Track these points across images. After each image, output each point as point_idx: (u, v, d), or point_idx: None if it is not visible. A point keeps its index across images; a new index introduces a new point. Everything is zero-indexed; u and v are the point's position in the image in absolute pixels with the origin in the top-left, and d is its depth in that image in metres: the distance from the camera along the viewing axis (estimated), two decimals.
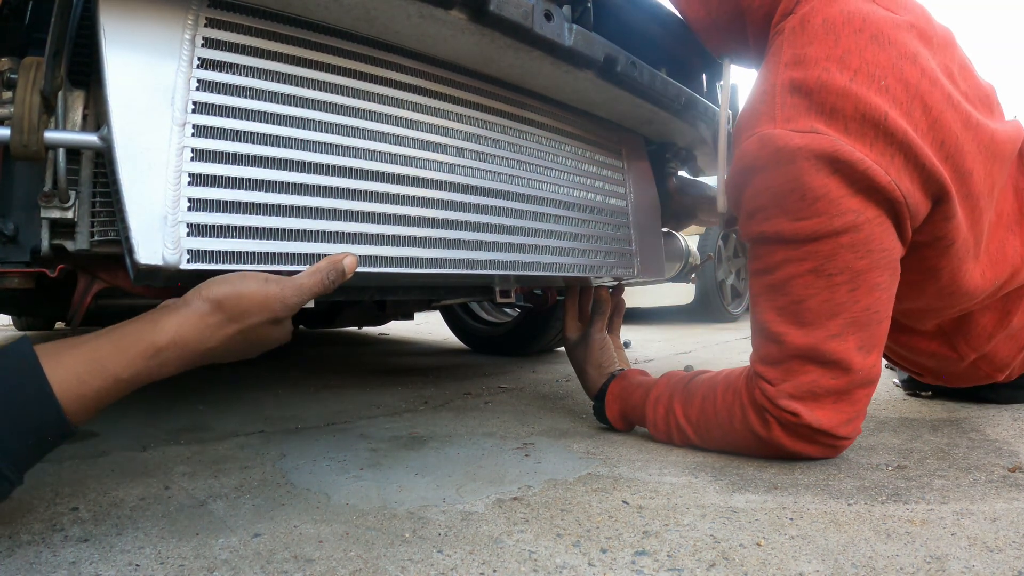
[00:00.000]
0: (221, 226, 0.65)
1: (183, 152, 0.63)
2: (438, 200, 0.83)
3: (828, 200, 0.74)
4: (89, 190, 0.69)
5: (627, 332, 3.00)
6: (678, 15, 1.08)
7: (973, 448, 0.88)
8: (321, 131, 0.73)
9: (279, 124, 0.70)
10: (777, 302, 0.80)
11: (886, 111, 0.74)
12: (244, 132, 0.68)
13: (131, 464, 0.87)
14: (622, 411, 0.99)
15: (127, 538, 0.61)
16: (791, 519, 0.64)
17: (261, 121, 0.69)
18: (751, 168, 0.78)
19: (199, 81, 0.65)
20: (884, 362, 1.47)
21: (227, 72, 0.67)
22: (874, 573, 0.52)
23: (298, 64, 0.72)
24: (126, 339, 0.56)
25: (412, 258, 0.79)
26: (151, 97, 0.62)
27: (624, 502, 0.70)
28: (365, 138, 0.77)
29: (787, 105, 0.77)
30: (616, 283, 1.19)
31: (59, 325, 3.48)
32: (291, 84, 0.72)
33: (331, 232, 0.72)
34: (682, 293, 3.48)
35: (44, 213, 0.66)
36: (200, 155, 0.64)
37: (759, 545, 0.58)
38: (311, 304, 0.67)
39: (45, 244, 0.68)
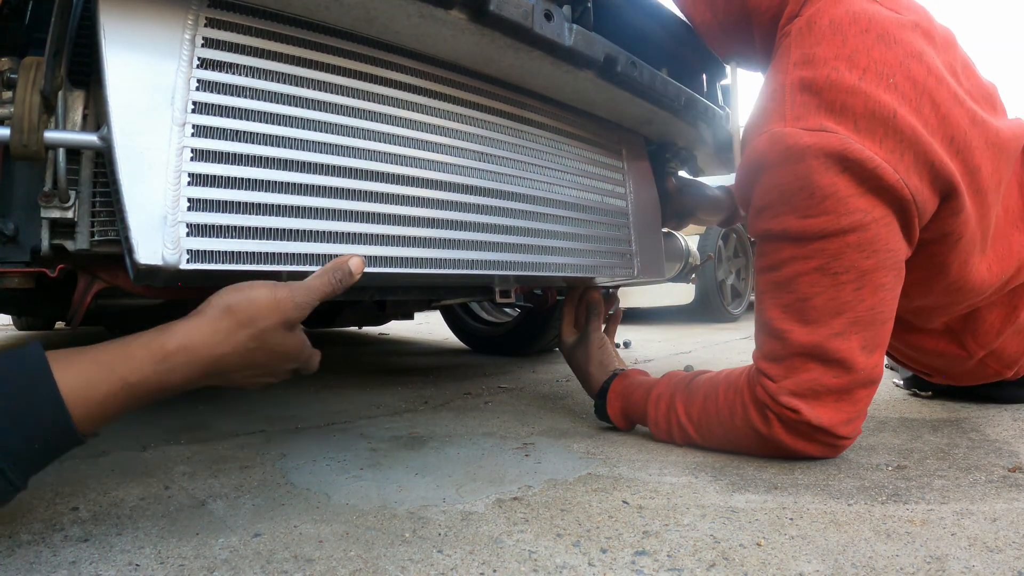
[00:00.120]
0: (221, 226, 0.65)
1: (183, 152, 0.63)
2: (438, 200, 0.83)
3: (836, 199, 0.75)
4: (89, 190, 0.69)
5: (627, 332, 3.00)
6: (678, 15, 1.08)
7: (973, 448, 0.88)
8: (321, 131, 0.73)
9: (279, 124, 0.70)
10: (782, 299, 0.80)
11: (895, 109, 0.75)
12: (244, 132, 0.68)
13: (131, 464, 0.87)
14: (623, 409, 0.99)
15: (127, 538, 0.61)
16: (791, 519, 0.64)
17: (261, 121, 0.69)
18: (761, 165, 0.79)
19: (199, 81, 0.65)
20: (886, 360, 1.48)
21: (227, 72, 0.67)
22: (874, 573, 0.52)
23: (298, 64, 0.72)
24: (135, 343, 0.55)
25: (412, 258, 0.79)
26: (151, 97, 0.62)
27: (624, 502, 0.70)
28: (365, 138, 0.77)
29: (797, 103, 0.78)
30: (608, 289, 1.19)
31: (59, 325, 3.48)
32: (291, 84, 0.72)
33: (331, 232, 0.73)
34: (682, 293, 3.47)
35: (44, 213, 0.66)
36: (200, 155, 0.64)
37: (759, 545, 0.58)
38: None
39: (45, 244, 0.68)
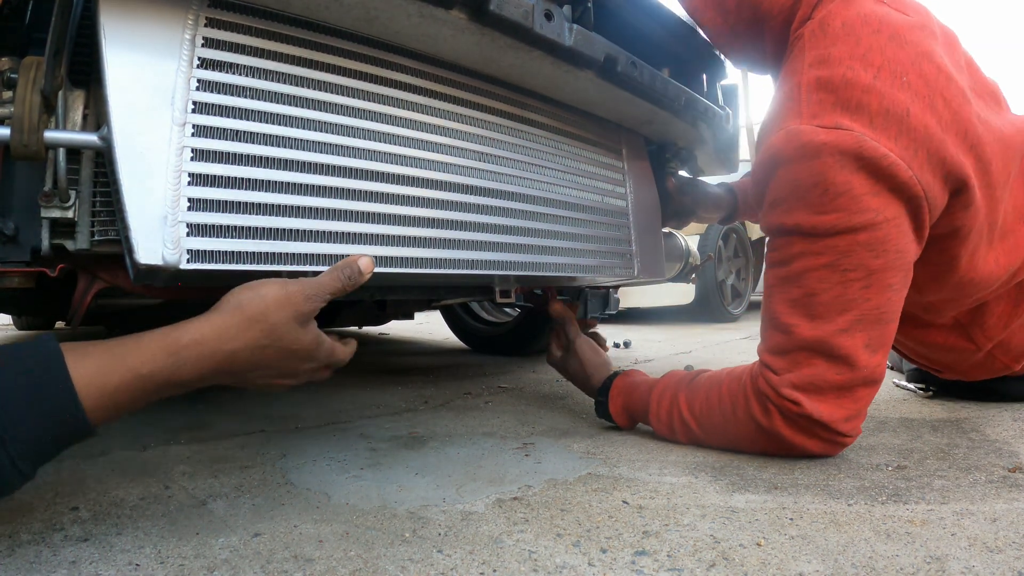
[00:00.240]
0: (221, 226, 0.65)
1: (183, 152, 0.63)
2: (438, 200, 0.83)
3: (850, 196, 0.76)
4: (89, 190, 0.68)
5: (627, 332, 3.00)
6: (678, 15, 1.08)
7: (973, 448, 0.88)
8: (321, 131, 0.73)
9: (279, 124, 0.70)
10: (790, 293, 0.81)
11: (908, 107, 0.77)
12: (244, 132, 0.67)
13: (131, 464, 0.87)
14: (626, 405, 0.99)
15: (127, 537, 0.61)
16: (791, 519, 0.64)
17: (261, 121, 0.69)
18: (777, 161, 0.80)
19: (199, 81, 0.65)
20: (889, 360, 1.48)
21: (227, 72, 0.67)
22: (874, 573, 0.52)
23: (298, 64, 0.72)
24: (148, 337, 0.56)
25: (412, 258, 0.79)
26: (151, 97, 0.62)
27: (624, 502, 0.70)
28: (365, 138, 0.77)
29: (813, 101, 0.79)
30: (568, 299, 1.18)
31: (59, 325, 3.48)
32: (291, 84, 0.72)
33: (332, 232, 0.72)
34: (682, 293, 3.47)
35: (44, 213, 0.66)
36: (200, 155, 0.64)
37: (759, 545, 0.58)
38: None
39: (45, 244, 0.68)
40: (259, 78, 0.69)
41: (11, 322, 3.65)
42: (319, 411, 1.24)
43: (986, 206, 0.86)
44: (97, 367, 0.52)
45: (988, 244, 0.92)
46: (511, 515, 0.66)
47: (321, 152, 0.73)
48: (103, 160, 0.68)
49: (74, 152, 0.68)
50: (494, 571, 0.54)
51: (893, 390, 1.34)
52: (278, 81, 0.71)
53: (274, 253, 0.68)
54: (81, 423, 0.52)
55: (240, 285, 0.62)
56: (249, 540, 0.61)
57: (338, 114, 0.75)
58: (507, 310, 2.28)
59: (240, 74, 0.68)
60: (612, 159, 1.15)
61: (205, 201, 0.64)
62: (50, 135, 0.60)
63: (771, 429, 0.81)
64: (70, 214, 0.67)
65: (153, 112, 0.62)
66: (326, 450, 0.94)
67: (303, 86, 0.73)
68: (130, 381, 0.53)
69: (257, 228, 0.67)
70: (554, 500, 0.71)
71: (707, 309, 3.61)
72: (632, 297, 3.42)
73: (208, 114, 0.65)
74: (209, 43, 0.66)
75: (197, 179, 0.64)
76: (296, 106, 0.72)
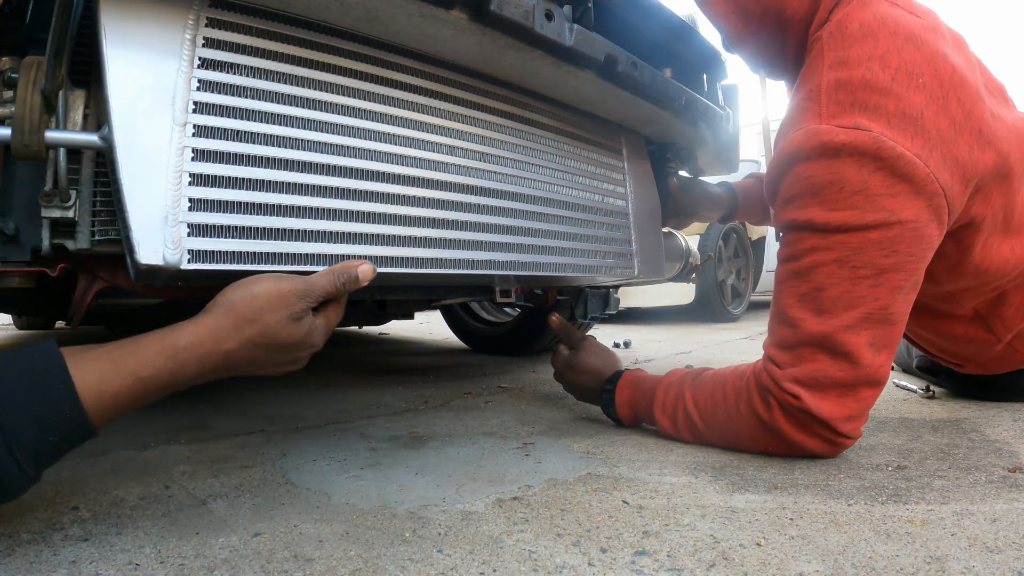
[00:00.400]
0: (222, 226, 0.65)
1: (184, 152, 0.63)
2: (439, 200, 0.83)
3: (865, 195, 0.77)
4: (90, 189, 0.69)
5: (627, 332, 3.00)
6: (679, 15, 1.08)
7: (973, 448, 0.88)
8: (322, 131, 0.73)
9: (280, 124, 0.70)
10: (799, 288, 0.82)
11: (922, 109, 0.78)
12: (245, 132, 0.68)
13: (131, 463, 0.87)
14: (632, 399, 1.00)
15: (127, 537, 0.61)
16: (791, 519, 0.64)
17: (262, 121, 0.69)
18: (794, 159, 0.81)
19: (200, 81, 0.65)
20: (896, 360, 1.49)
21: (228, 72, 0.67)
22: (874, 573, 0.52)
23: (299, 64, 0.73)
24: (146, 341, 0.57)
25: (413, 258, 0.79)
26: (152, 97, 0.62)
27: (624, 502, 0.70)
28: (366, 138, 0.77)
29: (832, 102, 0.81)
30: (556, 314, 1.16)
31: (59, 324, 3.48)
32: (292, 84, 0.72)
33: (332, 232, 0.73)
34: (682, 293, 3.47)
35: (45, 212, 0.66)
36: (201, 155, 0.64)
37: (759, 545, 0.58)
38: None
39: (46, 243, 0.68)
40: (260, 78, 0.69)
41: (11, 322, 3.65)
42: (319, 411, 1.24)
43: (1002, 197, 0.88)
44: (99, 373, 0.54)
45: (1003, 234, 0.93)
46: (511, 515, 0.66)
47: (322, 152, 0.73)
48: (104, 160, 0.68)
49: (75, 152, 0.68)
50: (494, 571, 0.54)
51: (893, 390, 1.34)
52: (279, 81, 0.71)
53: (275, 253, 0.68)
54: (84, 426, 0.53)
55: (233, 283, 0.62)
56: (249, 540, 0.61)
57: (339, 114, 0.75)
58: (507, 310, 2.28)
59: (241, 74, 0.68)
60: (612, 159, 1.15)
61: (206, 201, 0.64)
62: (51, 135, 0.60)
63: (772, 424, 0.81)
64: (70, 214, 0.67)
65: (154, 112, 0.62)
66: (326, 450, 0.94)
67: (304, 86, 0.73)
68: (131, 384, 0.55)
69: (258, 228, 0.67)
70: (554, 500, 0.71)
71: (707, 309, 3.61)
72: (632, 297, 3.42)
73: (209, 114, 0.65)
74: (210, 43, 0.66)
75: (198, 179, 0.64)
76: (297, 106, 0.72)
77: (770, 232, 4.17)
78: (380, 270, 0.76)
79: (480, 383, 1.57)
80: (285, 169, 0.70)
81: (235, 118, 0.67)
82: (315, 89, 0.74)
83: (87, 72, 0.68)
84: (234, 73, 0.68)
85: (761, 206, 1.36)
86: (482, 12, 0.74)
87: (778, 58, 1.00)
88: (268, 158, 0.69)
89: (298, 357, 0.65)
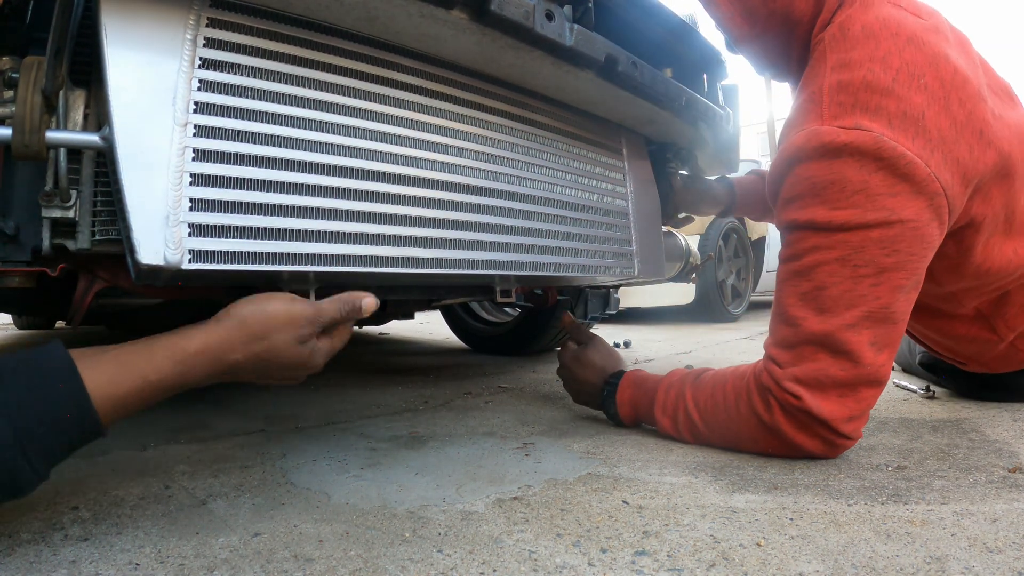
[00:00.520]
0: (223, 226, 0.65)
1: (184, 152, 0.63)
2: (439, 200, 0.83)
3: (867, 194, 0.77)
4: (90, 189, 0.69)
5: (627, 332, 3.00)
6: (679, 16, 1.08)
7: (973, 449, 0.88)
8: (322, 131, 0.73)
9: (280, 124, 0.70)
10: (801, 287, 0.82)
11: (923, 110, 0.79)
12: (245, 132, 0.68)
13: (131, 463, 0.87)
14: (633, 398, 1.00)
15: (127, 537, 0.61)
16: (791, 519, 0.64)
17: (262, 121, 0.69)
18: (795, 159, 0.82)
19: (200, 81, 0.65)
20: (897, 360, 1.49)
21: (229, 72, 0.67)
22: (874, 573, 0.52)
23: (299, 64, 0.72)
24: (156, 345, 0.59)
25: (413, 258, 0.79)
26: (153, 97, 0.62)
27: (624, 502, 0.70)
28: (366, 138, 0.77)
29: (834, 103, 0.81)
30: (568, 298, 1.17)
31: (59, 324, 3.48)
32: (292, 84, 0.72)
33: (333, 232, 0.73)
34: (682, 293, 3.47)
35: (45, 212, 0.66)
36: (202, 155, 0.64)
37: (759, 545, 0.58)
38: None
39: (46, 243, 0.68)
40: (260, 78, 0.69)
41: (11, 322, 3.65)
42: (319, 411, 1.24)
43: (1004, 196, 0.89)
44: (109, 376, 0.56)
45: (1005, 235, 0.94)
46: (511, 515, 0.66)
47: (322, 152, 0.73)
48: (104, 160, 0.68)
49: (75, 152, 0.68)
50: (494, 571, 0.54)
51: (893, 390, 1.34)
52: (279, 81, 0.71)
53: (276, 253, 0.68)
54: (94, 426, 0.55)
55: (246, 298, 0.65)
56: (249, 540, 0.61)
57: (339, 114, 0.75)
58: (507, 310, 2.28)
59: (241, 74, 0.68)
60: (613, 159, 1.15)
61: (207, 201, 0.64)
62: (51, 135, 0.60)
63: (772, 424, 0.81)
64: (71, 214, 0.67)
65: (154, 112, 0.62)
66: (326, 450, 0.94)
67: (304, 86, 0.73)
68: (140, 387, 0.57)
69: (259, 228, 0.67)
70: (554, 500, 0.71)
71: (707, 309, 3.61)
72: (632, 297, 3.42)
73: (209, 114, 0.65)
74: (210, 43, 0.66)
75: (199, 179, 0.64)
76: (297, 106, 0.72)
77: (770, 232, 4.17)
78: (381, 270, 0.76)
79: (480, 383, 1.57)
80: (286, 169, 0.70)
81: (236, 118, 0.67)
82: (316, 89, 0.73)
83: (87, 72, 0.68)
84: (235, 73, 0.68)
85: (760, 202, 1.36)
86: (482, 12, 0.74)
87: (782, 60, 1.00)
88: (269, 158, 0.69)
89: (297, 376, 0.68)
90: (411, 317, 2.33)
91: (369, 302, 0.70)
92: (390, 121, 0.80)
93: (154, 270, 0.61)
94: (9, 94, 0.62)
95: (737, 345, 2.48)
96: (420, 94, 0.83)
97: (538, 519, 0.65)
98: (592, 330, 1.27)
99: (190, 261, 0.63)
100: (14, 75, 0.61)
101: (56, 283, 0.77)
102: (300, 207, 0.70)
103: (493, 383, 1.57)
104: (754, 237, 4.05)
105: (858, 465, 0.82)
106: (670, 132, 1.21)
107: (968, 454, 0.86)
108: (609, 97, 1.02)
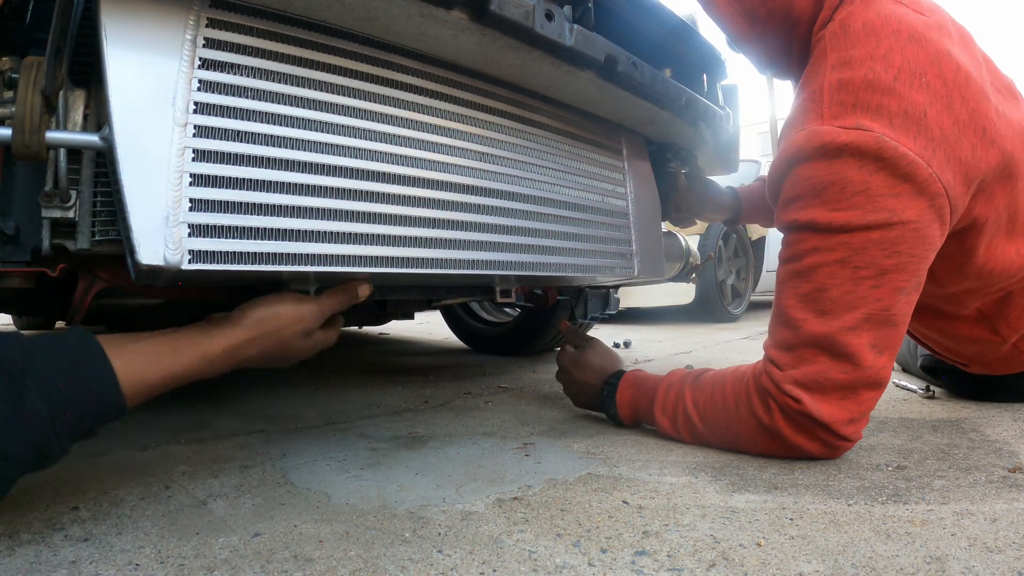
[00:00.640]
0: (223, 226, 0.65)
1: (184, 152, 0.63)
2: (439, 200, 0.83)
3: (867, 195, 0.77)
4: (90, 190, 0.69)
5: (627, 332, 3.00)
6: (679, 16, 1.08)
7: (973, 448, 0.88)
8: (322, 131, 0.73)
9: (280, 124, 0.70)
10: (801, 288, 0.82)
11: (925, 108, 0.78)
12: (245, 132, 0.68)
13: (131, 464, 0.87)
14: (633, 399, 1.00)
15: (127, 537, 0.61)
16: (791, 519, 0.64)
17: (262, 121, 0.69)
18: (796, 159, 0.81)
19: (200, 81, 0.65)
20: (897, 360, 1.48)
21: (228, 72, 0.67)
22: (874, 573, 0.52)
23: (299, 64, 0.72)
24: (182, 342, 0.67)
25: (413, 258, 0.79)
26: (152, 97, 0.62)
27: (624, 502, 0.70)
28: (366, 138, 0.77)
29: (834, 103, 0.80)
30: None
31: (59, 324, 3.48)
32: (292, 84, 0.72)
33: (333, 232, 0.73)
34: (682, 293, 3.47)
35: (45, 213, 0.66)
36: (201, 155, 0.64)
37: (759, 545, 0.58)
38: None
39: (46, 244, 0.68)
40: (260, 78, 0.69)
41: (11, 322, 3.65)
42: (319, 411, 1.24)
43: (1006, 197, 0.88)
44: (140, 364, 0.62)
45: (1007, 235, 0.93)
46: (511, 515, 0.66)
47: (323, 152, 0.73)
48: (104, 160, 0.68)
49: (75, 152, 0.68)
50: (494, 571, 0.54)
51: (893, 390, 1.34)
52: (279, 81, 0.71)
53: (276, 254, 0.68)
54: (120, 410, 0.61)
55: (258, 299, 0.74)
56: (249, 540, 0.61)
57: (339, 114, 0.75)
58: (507, 310, 2.28)
59: (241, 75, 0.68)
60: (612, 159, 1.15)
61: (207, 202, 0.64)
62: (51, 135, 0.60)
63: (772, 427, 0.81)
64: (71, 214, 0.68)
65: (154, 112, 0.62)
66: (326, 450, 0.94)
67: (304, 86, 0.73)
68: (165, 377, 0.65)
69: (259, 228, 0.67)
70: (554, 500, 0.71)
71: (707, 309, 3.61)
72: (632, 297, 3.42)
73: (209, 115, 0.65)
74: (210, 43, 0.66)
75: (199, 179, 0.64)
76: (297, 106, 0.72)
77: (770, 232, 4.17)
78: (381, 270, 0.77)
79: (480, 383, 1.57)
80: (286, 169, 0.70)
81: (236, 118, 0.67)
82: (316, 89, 0.73)
83: (87, 72, 0.68)
84: (235, 73, 0.68)
85: (766, 209, 1.36)
86: (482, 12, 0.74)
87: (783, 58, 1.00)
88: (269, 158, 0.69)
89: (295, 361, 0.79)
90: (411, 317, 2.32)
91: (363, 288, 0.81)
92: (390, 121, 0.80)
93: (154, 270, 0.61)
94: (9, 94, 0.62)
95: (737, 345, 2.48)
96: (420, 94, 0.83)
97: (538, 519, 0.65)
98: (592, 330, 1.28)
99: (190, 261, 0.63)
100: (14, 75, 0.61)
101: (56, 283, 0.77)
102: (300, 207, 0.70)
103: (493, 383, 1.57)
104: (754, 237, 4.05)
105: (858, 465, 0.82)
106: (670, 132, 1.21)
107: (968, 454, 0.86)
108: (609, 97, 1.02)
